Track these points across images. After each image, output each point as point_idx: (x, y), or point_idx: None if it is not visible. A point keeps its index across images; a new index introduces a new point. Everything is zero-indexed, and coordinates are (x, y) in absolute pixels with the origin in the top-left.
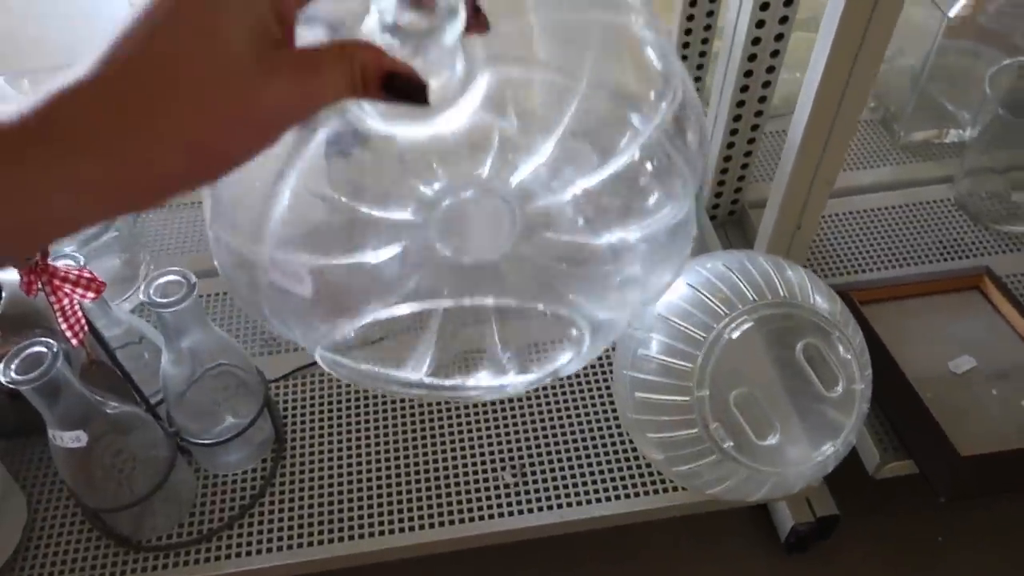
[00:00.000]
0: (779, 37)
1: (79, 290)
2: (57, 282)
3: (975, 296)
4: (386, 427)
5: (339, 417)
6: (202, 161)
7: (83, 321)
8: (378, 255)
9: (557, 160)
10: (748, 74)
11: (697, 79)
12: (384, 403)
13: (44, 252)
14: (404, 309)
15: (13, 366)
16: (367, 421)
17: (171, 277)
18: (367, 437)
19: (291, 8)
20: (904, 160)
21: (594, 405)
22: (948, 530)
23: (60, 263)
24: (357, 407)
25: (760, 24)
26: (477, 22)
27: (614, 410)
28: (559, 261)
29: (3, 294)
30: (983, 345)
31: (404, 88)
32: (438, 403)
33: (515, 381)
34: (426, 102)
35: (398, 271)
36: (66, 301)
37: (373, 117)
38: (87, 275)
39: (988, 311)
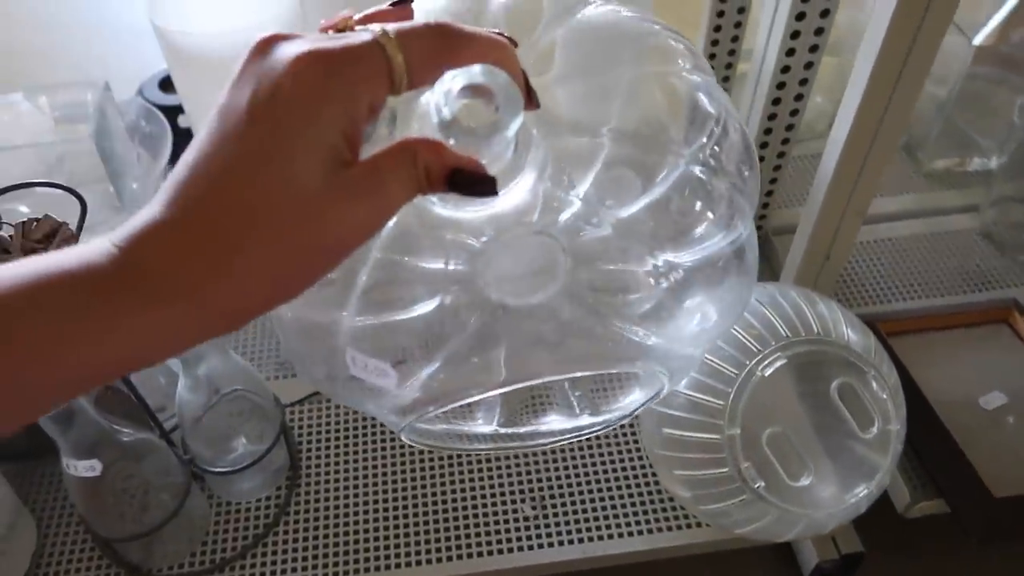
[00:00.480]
0: (808, 65)
1: None
2: None
3: (1003, 330)
4: (403, 455)
5: (355, 444)
6: (280, 291)
7: None
8: (427, 307)
9: (598, 191)
10: (776, 102)
11: None
12: None
13: None
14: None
15: None
16: (384, 448)
17: None
18: (384, 465)
19: (360, 129)
20: (927, 188)
21: (616, 438)
22: (977, 572)
23: None
24: (374, 433)
25: (790, 52)
26: (529, 101)
27: (636, 442)
28: (612, 292)
29: None
30: (1014, 380)
31: (470, 182)
32: None
33: (589, 422)
34: (494, 193)
35: (456, 328)
36: None
37: (435, 203)
38: None
39: (1018, 345)
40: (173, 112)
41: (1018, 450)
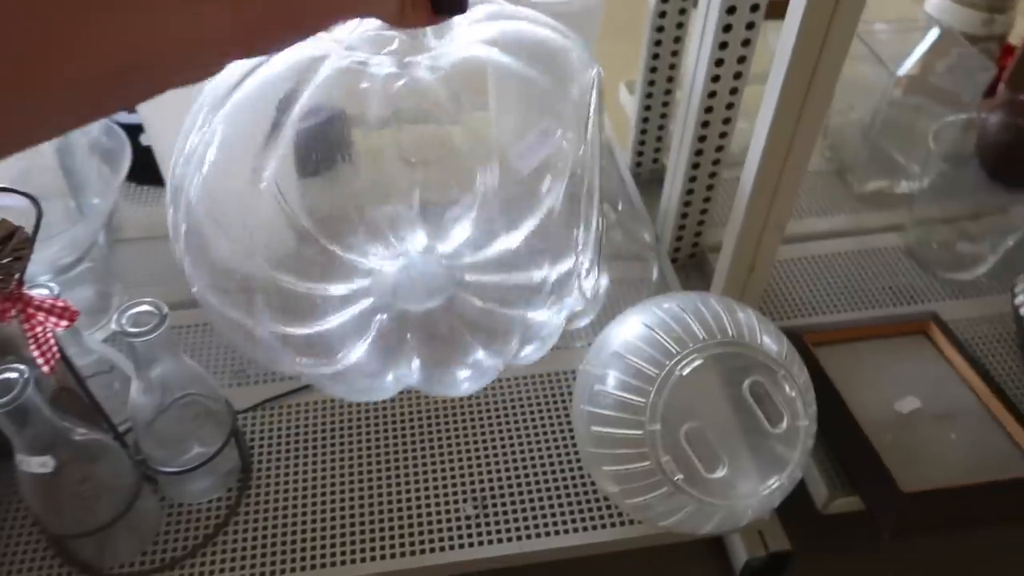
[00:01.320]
0: (734, 91)
1: (53, 318)
2: (31, 310)
3: (922, 340)
4: (350, 459)
5: (304, 448)
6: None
7: (55, 349)
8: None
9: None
10: (705, 124)
11: (660, 127)
12: (349, 435)
13: (20, 280)
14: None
15: None
16: (332, 452)
17: (143, 308)
18: (332, 468)
19: None
20: (858, 209)
21: (555, 440)
22: (896, 566)
23: (35, 292)
24: (323, 438)
25: (716, 79)
26: None
27: (574, 445)
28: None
29: None
30: (928, 387)
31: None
32: (402, 436)
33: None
34: (463, 9)
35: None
36: (40, 329)
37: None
38: (61, 304)
39: (934, 355)
40: (135, 130)
41: (928, 450)
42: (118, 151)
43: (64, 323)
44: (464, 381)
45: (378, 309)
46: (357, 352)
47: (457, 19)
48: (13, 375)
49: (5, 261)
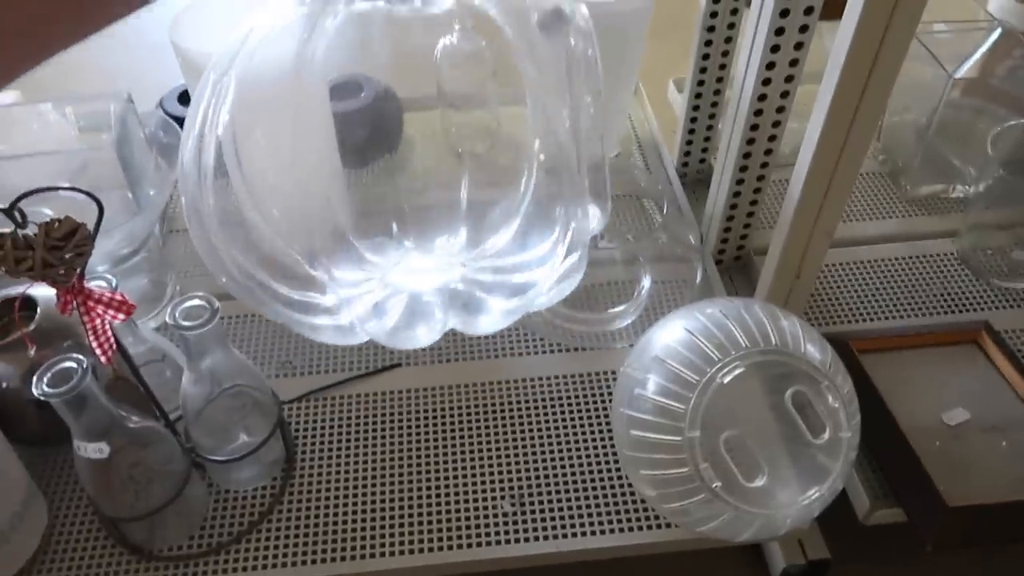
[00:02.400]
0: (784, 94)
1: (111, 311)
2: (91, 303)
3: (973, 350)
4: (392, 452)
5: (347, 440)
6: None
7: (112, 341)
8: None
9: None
10: (754, 127)
11: (708, 127)
12: (391, 429)
13: (81, 274)
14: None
15: (45, 379)
16: (374, 445)
17: (196, 301)
18: (374, 461)
19: None
20: (910, 213)
21: (594, 440)
22: None
23: (94, 284)
24: (366, 431)
25: (766, 82)
26: None
27: (612, 446)
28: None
29: (38, 309)
30: (978, 398)
31: None
32: (443, 431)
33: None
34: None
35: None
36: (98, 321)
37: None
38: (119, 298)
39: (985, 365)
40: None
41: (975, 463)
42: (175, 146)
43: (121, 316)
44: (495, 319)
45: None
46: (356, 302)
47: None
48: (72, 365)
49: (68, 256)
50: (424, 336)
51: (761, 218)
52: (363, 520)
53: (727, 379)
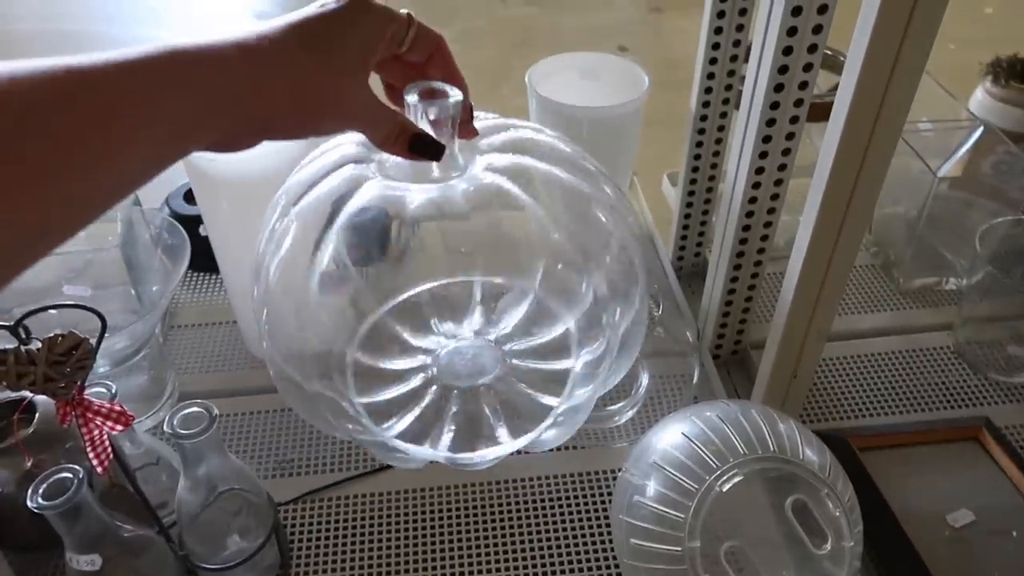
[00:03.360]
0: (775, 197)
1: (109, 423)
2: (90, 415)
3: (974, 447)
4: (389, 555)
5: (344, 543)
6: (310, 104)
7: (110, 451)
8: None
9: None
10: (747, 227)
11: (703, 222)
12: (387, 530)
13: (81, 386)
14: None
15: (40, 491)
16: (370, 547)
17: (194, 409)
18: (370, 564)
19: (377, 47)
20: (904, 306)
21: (595, 543)
22: None
23: (93, 391)
24: (363, 533)
25: (756, 186)
26: (467, 130)
27: (611, 554)
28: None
29: (37, 413)
30: (982, 498)
31: (423, 144)
32: (439, 532)
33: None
34: (439, 156)
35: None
36: (96, 432)
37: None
38: (118, 409)
39: (987, 463)
40: (195, 221)
41: (982, 567)
42: (179, 246)
43: (119, 427)
44: (485, 461)
45: (431, 383)
46: (406, 421)
47: (482, 144)
48: (68, 476)
49: (69, 371)
50: (482, 453)
51: (757, 312)
52: None
53: (726, 487)
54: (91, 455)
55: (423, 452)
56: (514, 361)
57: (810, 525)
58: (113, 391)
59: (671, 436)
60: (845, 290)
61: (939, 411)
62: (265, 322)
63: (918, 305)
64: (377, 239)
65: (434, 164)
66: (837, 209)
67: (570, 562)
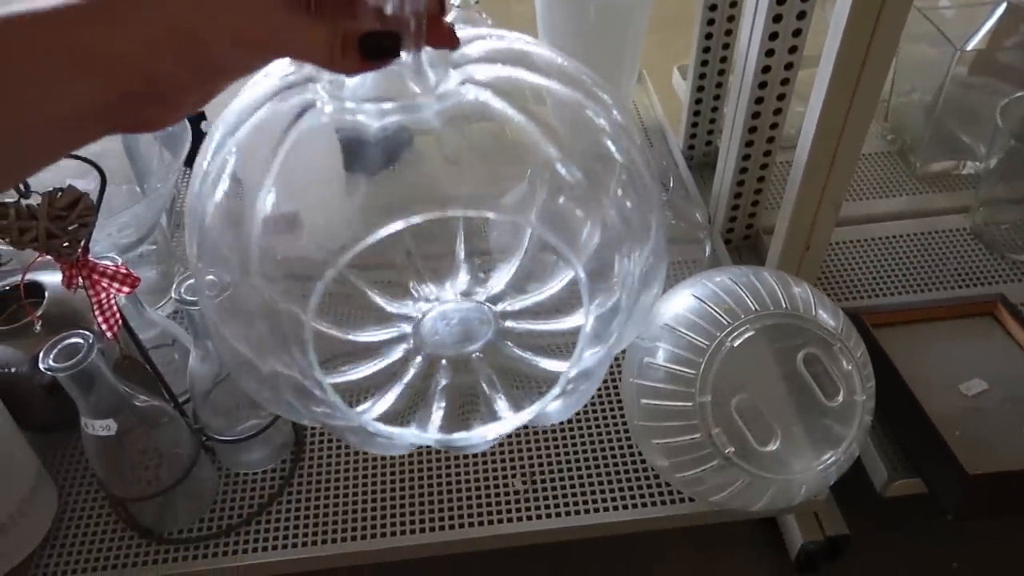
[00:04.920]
0: (789, 66)
1: (116, 284)
2: (96, 276)
3: (989, 322)
4: None
5: None
6: (193, 51)
7: (118, 315)
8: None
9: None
10: (757, 111)
11: (713, 109)
12: None
13: (85, 247)
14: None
15: (52, 355)
16: None
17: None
18: None
19: None
20: (921, 191)
21: (604, 417)
22: (960, 553)
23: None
24: None
25: (766, 69)
26: (440, 31)
27: (624, 420)
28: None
29: (46, 294)
30: (996, 369)
31: (375, 40)
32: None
33: (509, 425)
34: (397, 52)
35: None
36: (103, 295)
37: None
38: (123, 271)
39: (1002, 336)
40: (196, 118)
41: (995, 433)
42: (179, 136)
43: (126, 289)
44: (484, 442)
45: (413, 354)
46: (387, 400)
47: (457, 56)
48: (79, 340)
49: (71, 227)
50: (480, 432)
51: (769, 198)
52: (372, 501)
53: (737, 343)
54: (100, 320)
55: (409, 435)
56: (509, 323)
57: (821, 379)
58: (119, 261)
59: (682, 300)
60: (861, 174)
61: (955, 290)
62: (203, 282)
63: (935, 189)
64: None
65: (400, 76)
66: (853, 62)
67: (581, 434)
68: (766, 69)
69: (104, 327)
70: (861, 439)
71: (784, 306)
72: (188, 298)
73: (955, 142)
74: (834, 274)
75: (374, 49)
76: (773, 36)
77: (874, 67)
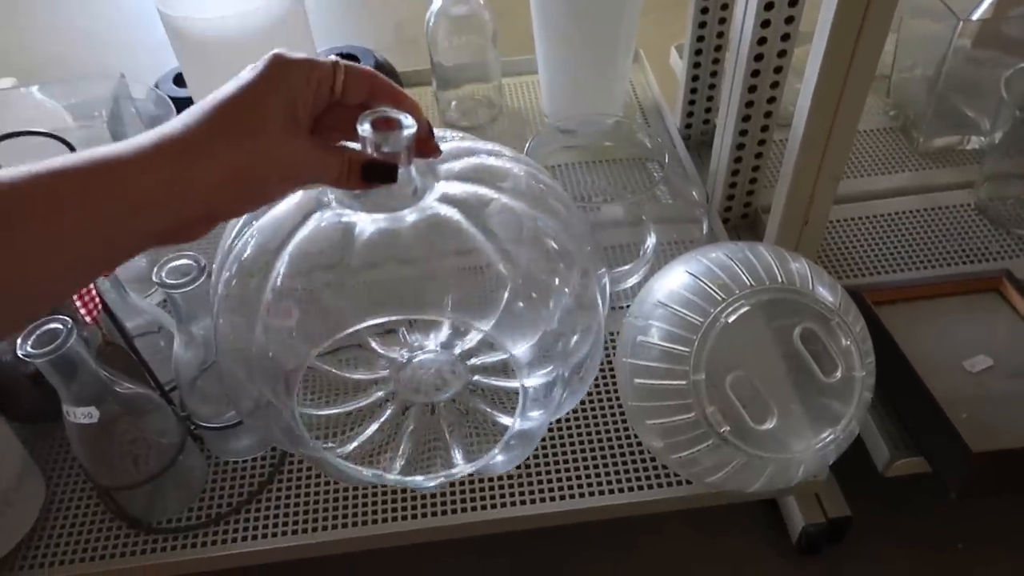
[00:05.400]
0: (785, 37)
1: None
2: None
3: (993, 298)
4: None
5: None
6: (242, 181)
7: (97, 299)
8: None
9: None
10: (753, 88)
11: (711, 87)
12: None
13: None
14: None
15: (30, 341)
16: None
17: (183, 261)
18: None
19: (307, 102)
20: (924, 166)
21: (599, 397)
22: (964, 533)
23: None
24: None
25: (762, 40)
26: (431, 147)
27: (619, 401)
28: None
29: None
30: (1001, 346)
31: (376, 169)
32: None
33: (462, 470)
34: (394, 179)
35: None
36: None
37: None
38: None
39: (1007, 313)
40: (183, 103)
41: (1000, 410)
42: (164, 118)
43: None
44: (435, 481)
45: (390, 395)
46: (362, 437)
47: (443, 169)
48: (58, 326)
49: None
50: (433, 477)
51: (767, 176)
52: (363, 487)
53: (732, 318)
54: (78, 303)
55: (371, 476)
56: (476, 377)
57: (819, 356)
58: None
59: (676, 277)
60: (863, 151)
61: (958, 266)
62: (218, 319)
63: (938, 165)
64: None
65: (392, 189)
66: (850, 28)
67: (575, 417)
68: (762, 41)
69: (83, 311)
70: (861, 416)
71: (780, 281)
72: (169, 281)
73: (959, 117)
74: (835, 252)
75: (374, 175)
76: (768, 6)
77: (871, 33)
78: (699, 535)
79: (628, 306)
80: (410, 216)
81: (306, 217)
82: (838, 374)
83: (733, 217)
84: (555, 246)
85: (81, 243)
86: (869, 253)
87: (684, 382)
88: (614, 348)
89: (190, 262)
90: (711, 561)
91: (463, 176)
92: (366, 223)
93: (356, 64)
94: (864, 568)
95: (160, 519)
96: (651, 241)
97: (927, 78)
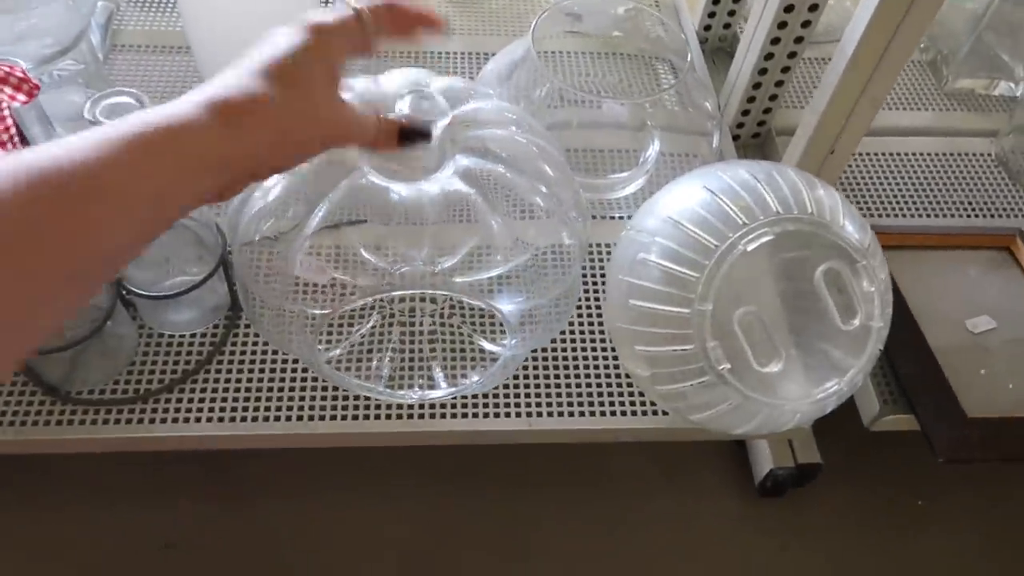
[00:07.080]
0: None
1: (8, 89)
2: None
3: (1004, 256)
4: (349, 312)
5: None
6: (289, 136)
7: (13, 130)
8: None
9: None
10: None
11: None
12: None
13: None
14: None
15: None
16: None
17: (123, 98)
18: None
19: (343, 71)
20: (948, 107)
21: (580, 320)
22: (931, 493)
23: None
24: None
25: None
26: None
27: (594, 323)
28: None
29: None
30: (1006, 307)
31: (412, 131)
32: (408, 296)
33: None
34: (429, 138)
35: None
36: None
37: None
38: (19, 73)
39: (1016, 274)
40: None
41: (999, 375)
42: None
43: (21, 97)
44: (414, 396)
45: (375, 305)
46: (345, 345)
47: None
48: None
49: None
50: (415, 393)
51: (789, 97)
52: (315, 379)
53: (751, 247)
54: None
55: (357, 384)
56: (458, 290)
57: (838, 299)
58: (20, 64)
59: (690, 191)
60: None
61: (971, 219)
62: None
63: (963, 108)
64: None
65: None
66: None
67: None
68: None
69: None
70: (868, 370)
71: (810, 210)
72: (102, 120)
73: (993, 59)
74: (845, 185)
75: (410, 137)
76: None
77: None
78: (657, 466)
79: (622, 217)
80: (430, 190)
81: (339, 177)
82: (856, 322)
83: (744, 135)
84: (543, 204)
85: (149, 210)
86: (880, 192)
87: (687, 310)
88: (602, 268)
89: (129, 100)
90: (669, 494)
91: (475, 151)
92: (394, 192)
93: (376, 6)
94: (819, 514)
95: (80, 389)
96: (654, 149)
97: (971, 12)
